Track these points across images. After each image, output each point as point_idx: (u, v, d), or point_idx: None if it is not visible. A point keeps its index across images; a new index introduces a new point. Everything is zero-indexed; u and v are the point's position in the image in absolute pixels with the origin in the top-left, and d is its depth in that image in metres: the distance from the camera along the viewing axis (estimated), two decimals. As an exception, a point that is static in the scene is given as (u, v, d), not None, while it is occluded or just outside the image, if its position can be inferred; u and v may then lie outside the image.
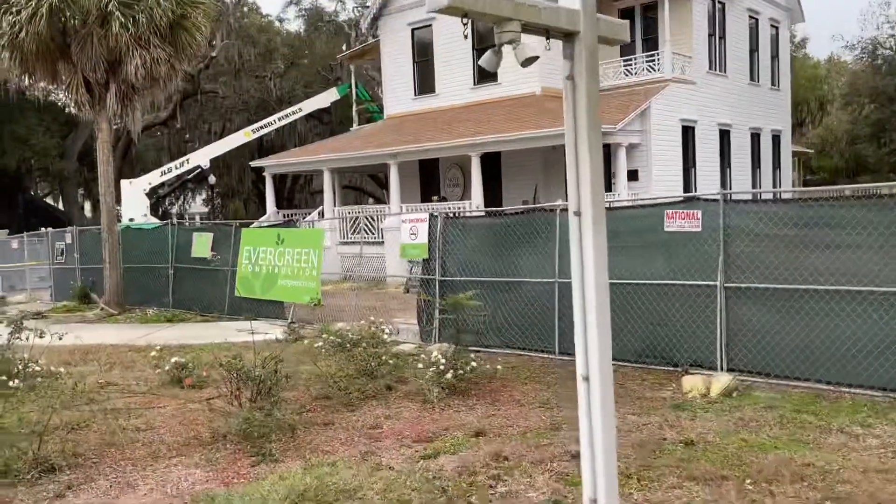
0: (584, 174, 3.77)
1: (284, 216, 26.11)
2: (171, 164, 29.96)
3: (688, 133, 21.52)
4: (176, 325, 13.78)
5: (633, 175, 19.79)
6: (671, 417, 6.04)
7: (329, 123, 43.41)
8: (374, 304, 14.99)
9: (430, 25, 23.99)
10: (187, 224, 26.81)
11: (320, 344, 8.62)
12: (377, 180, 57.74)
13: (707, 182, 22.34)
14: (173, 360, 7.82)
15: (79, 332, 12.91)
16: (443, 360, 6.98)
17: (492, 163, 23.44)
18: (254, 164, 26.40)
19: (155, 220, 28.57)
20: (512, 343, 9.11)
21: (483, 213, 11.45)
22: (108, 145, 15.55)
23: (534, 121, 19.43)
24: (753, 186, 24.93)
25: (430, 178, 25.32)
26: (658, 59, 20.85)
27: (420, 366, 7.65)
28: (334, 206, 23.97)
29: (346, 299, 14.35)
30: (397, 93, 25.17)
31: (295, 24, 49.54)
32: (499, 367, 7.43)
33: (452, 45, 23.24)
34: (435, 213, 10.54)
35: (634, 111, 19.04)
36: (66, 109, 45.60)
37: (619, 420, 6.08)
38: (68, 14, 14.14)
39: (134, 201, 29.02)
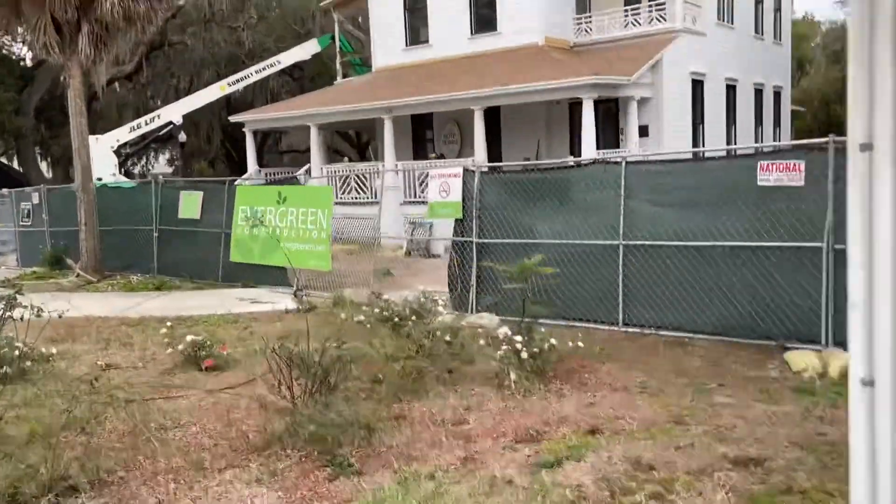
0: (884, 87, 2.61)
1: (266, 175, 24.63)
2: (141, 120, 28.12)
3: (697, 87, 20.53)
4: (166, 293, 12.48)
5: (643, 131, 18.77)
6: (808, 405, 5.08)
7: (300, 79, 41.54)
8: (379, 268, 13.88)
9: (423, -31, 22.44)
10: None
11: (362, 318, 7.44)
12: (349, 140, 56.09)
13: (715, 139, 21.46)
14: (189, 337, 6.62)
15: (58, 303, 11.62)
16: (518, 338, 5.90)
17: (491, 118, 22.16)
18: (234, 118, 24.76)
19: (125, 179, 26.87)
20: (567, 314, 8.07)
21: (529, 168, 10.31)
22: (81, 94, 13.96)
23: (538, 72, 18.21)
24: (760, 142, 24.13)
25: (422, 135, 24.02)
26: (668, 8, 19.66)
27: (482, 342, 6.58)
28: (322, 164, 22.57)
29: (347, 263, 13.16)
30: (387, 44, 23.65)
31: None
32: (571, 342, 6.38)
33: (447, -11, 21.78)
34: (471, 168, 9.37)
35: (647, 63, 17.93)
36: (21, 62, 42.91)
37: (745, 408, 5.13)
38: (33, -59, 12.44)
39: (101, 159, 27.09)
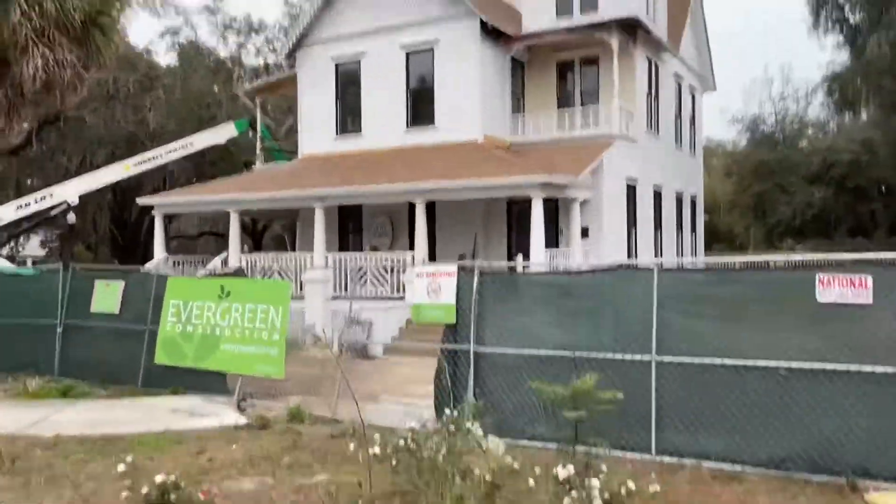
0: None
1: (175, 263, 22.63)
2: (31, 198, 25.37)
3: (630, 192, 20.80)
4: (76, 401, 10.45)
5: (584, 232, 18.58)
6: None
7: (201, 164, 39.92)
8: (321, 372, 12.44)
9: (358, 62, 22.05)
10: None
11: (378, 450, 6.06)
12: (244, 228, 53.94)
13: (645, 245, 21.68)
14: (157, 478, 5.04)
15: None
16: (595, 483, 4.81)
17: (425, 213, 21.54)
18: (141, 201, 22.84)
19: (7, 263, 23.95)
20: (588, 438, 7.03)
21: (541, 271, 9.45)
22: (-16, 165, 12.09)
23: (482, 168, 17.79)
24: (679, 251, 24.70)
25: (349, 227, 22.95)
26: (604, 114, 20.02)
27: (532, 483, 5.43)
28: (239, 252, 20.94)
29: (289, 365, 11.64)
30: (315, 131, 22.80)
31: (166, 58, 45.34)
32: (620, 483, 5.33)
33: (384, 83, 21.40)
34: (468, 267, 8.40)
35: (590, 165, 17.94)
36: None
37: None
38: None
39: (-19, 239, 24.31)
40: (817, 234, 35.87)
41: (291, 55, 23.34)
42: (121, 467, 5.23)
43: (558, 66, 22.12)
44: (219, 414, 9.47)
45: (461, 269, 8.34)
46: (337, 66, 22.48)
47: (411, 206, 21.51)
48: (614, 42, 19.55)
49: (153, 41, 66.61)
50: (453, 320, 8.19)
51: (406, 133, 21.20)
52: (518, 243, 20.72)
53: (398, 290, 17.95)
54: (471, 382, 7.88)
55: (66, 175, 37.76)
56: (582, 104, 21.39)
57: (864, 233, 34.84)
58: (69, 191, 25.71)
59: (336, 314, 18.01)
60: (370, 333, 16.08)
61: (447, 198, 17.86)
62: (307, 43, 22.86)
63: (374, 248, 20.43)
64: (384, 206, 21.54)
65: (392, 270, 18.23)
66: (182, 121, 41.06)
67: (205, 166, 43.10)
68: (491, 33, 20.35)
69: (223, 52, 46.48)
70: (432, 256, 19.20)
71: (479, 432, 5.66)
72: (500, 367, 7.76)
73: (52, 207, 25.50)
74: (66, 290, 12.35)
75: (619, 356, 7.08)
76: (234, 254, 20.75)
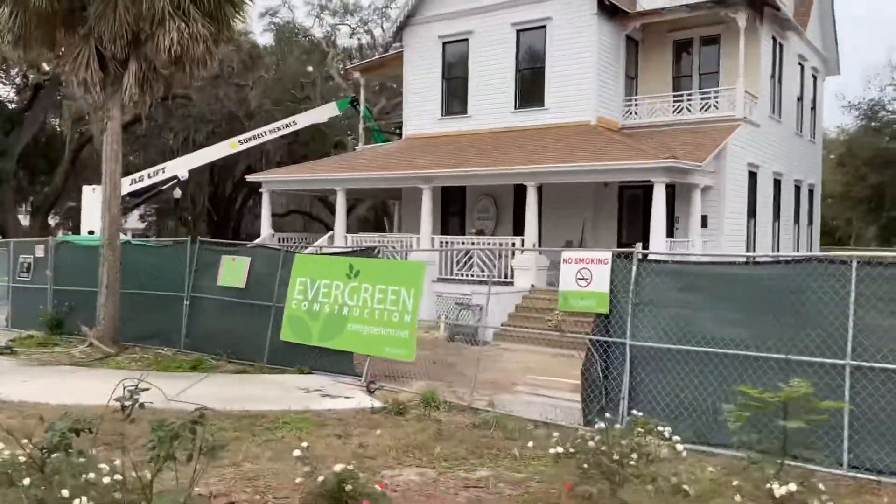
0: None
1: (280, 240, 22.91)
2: (144, 173, 26.30)
3: (751, 180, 19.64)
4: (206, 375, 10.51)
5: (702, 221, 17.62)
6: None
7: (293, 143, 40.55)
8: (432, 354, 12.20)
9: (465, 40, 21.58)
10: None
11: (560, 449, 5.62)
12: (329, 207, 54.84)
13: (763, 236, 20.49)
14: (337, 467, 4.80)
15: (79, 382, 9.65)
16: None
17: (526, 196, 21.00)
18: (250, 178, 23.18)
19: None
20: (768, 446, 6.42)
21: (716, 260, 8.85)
22: (119, 138, 12.29)
23: (598, 151, 17.08)
24: (795, 245, 23.29)
25: (451, 209, 22.66)
26: (727, 96, 18.90)
27: (737, 499, 4.91)
28: (344, 232, 20.97)
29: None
30: (420, 112, 22.52)
31: (262, 39, 46.13)
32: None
33: (492, 62, 20.88)
34: (624, 254, 7.88)
35: (715, 149, 16.96)
36: (11, 105, 41.09)
37: None
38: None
39: (96, 211, 25.24)
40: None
41: (398, 34, 23.10)
42: (296, 452, 4.98)
43: (675, 46, 21.05)
44: (351, 396, 9.29)
45: (616, 255, 7.81)
46: (444, 44, 22.10)
47: (517, 189, 21.08)
48: (741, 19, 18.38)
49: (252, 21, 67.89)
50: (606, 310, 7.70)
51: (513, 114, 20.65)
52: (629, 231, 19.94)
53: (506, 275, 17.55)
54: (626, 379, 7.37)
55: (168, 152, 39.18)
56: (700, 86, 20.30)
57: None
58: (179, 166, 26.48)
59: (441, 297, 17.79)
60: (481, 318, 15.73)
61: (562, 181, 17.25)
62: (414, 21, 22.55)
63: (480, 232, 20.06)
64: (488, 189, 21.13)
65: (500, 255, 17.81)
66: (277, 100, 41.81)
67: (297, 145, 43.84)
68: (607, 10, 19.50)
69: (318, 33, 46.95)
70: (538, 240, 18.67)
71: (672, 437, 5.13)
72: (659, 363, 7.23)
73: (164, 182, 26.35)
74: (193, 264, 12.48)
75: (805, 358, 6.43)
76: (340, 232, 20.80)
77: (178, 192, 31.23)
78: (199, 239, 12.76)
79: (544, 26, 20.09)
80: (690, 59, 20.90)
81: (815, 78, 25.20)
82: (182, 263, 12.64)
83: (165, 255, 13.18)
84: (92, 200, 25.47)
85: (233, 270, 11.96)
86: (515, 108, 20.66)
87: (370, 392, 9.69)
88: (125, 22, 11.29)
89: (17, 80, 41.00)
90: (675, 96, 19.92)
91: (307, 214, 55.14)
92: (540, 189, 19.71)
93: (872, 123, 37.71)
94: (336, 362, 10.59)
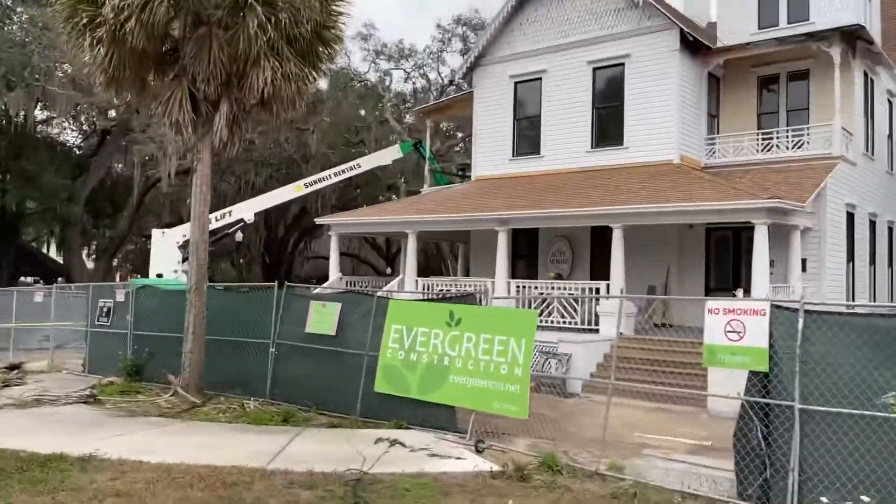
0: None
1: (348, 283, 22.49)
2: (212, 216, 26.24)
3: (849, 222, 18.52)
4: (300, 429, 9.88)
5: (802, 265, 16.57)
6: None
7: (348, 186, 40.67)
8: (545, 412, 11.41)
9: (539, 79, 21.16)
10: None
11: None
12: (377, 249, 54.86)
13: (861, 282, 19.25)
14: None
15: (174, 437, 9.11)
16: None
17: (606, 238, 20.20)
18: (320, 220, 22.84)
19: (185, 278, 24.80)
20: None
21: (884, 313, 7.99)
22: (209, 180, 12.00)
23: (684, 191, 16.25)
24: (890, 291, 21.89)
25: (523, 252, 21.98)
26: (821, 134, 17.95)
27: None
28: (414, 275, 20.42)
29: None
30: (490, 152, 22.06)
31: (319, 84, 46.84)
32: None
33: (566, 101, 20.38)
34: (786, 306, 7.05)
35: (816, 189, 15.99)
36: (79, 150, 42.19)
37: None
38: (181, 5, 10.79)
39: (164, 255, 25.34)
40: None
41: (468, 74, 22.83)
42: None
43: (759, 82, 20.26)
44: (461, 456, 8.55)
45: (776, 307, 6.99)
46: (516, 84, 21.72)
47: (595, 231, 20.35)
48: (836, 53, 17.54)
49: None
50: (765, 367, 6.85)
51: (589, 153, 20.02)
52: (717, 275, 18.96)
53: (590, 322, 16.70)
54: (795, 448, 6.48)
55: (227, 196, 39.55)
56: (788, 123, 19.42)
57: None
58: (244, 209, 26.49)
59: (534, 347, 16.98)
60: (568, 368, 14.88)
61: (651, 222, 16.43)
62: (485, 62, 22.27)
63: (559, 276, 19.29)
64: (564, 231, 20.44)
65: (580, 300, 16.98)
66: (332, 144, 42.13)
67: (350, 188, 43.97)
68: (689, 46, 18.88)
69: (372, 78, 47.44)
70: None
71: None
72: (836, 430, 6.33)
73: (231, 225, 26.36)
74: (279, 310, 11.99)
75: None
76: (411, 276, 20.25)
77: (239, 236, 31.31)
78: (286, 284, 12.29)
79: (622, 63, 19.55)
80: (776, 95, 20.07)
81: (902, 114, 24.03)
82: (267, 309, 12.17)
83: (249, 301, 12.72)
84: (161, 244, 25.61)
85: (322, 317, 11.42)
86: (592, 147, 20.03)
87: (478, 451, 8.93)
88: (219, 62, 11.06)
89: (85, 127, 42.17)
90: (762, 134, 19.05)
91: (355, 257, 55.26)
92: (610, 232, 19.06)
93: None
94: (436, 417, 9.87)
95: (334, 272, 22.19)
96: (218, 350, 12.49)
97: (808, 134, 18.18)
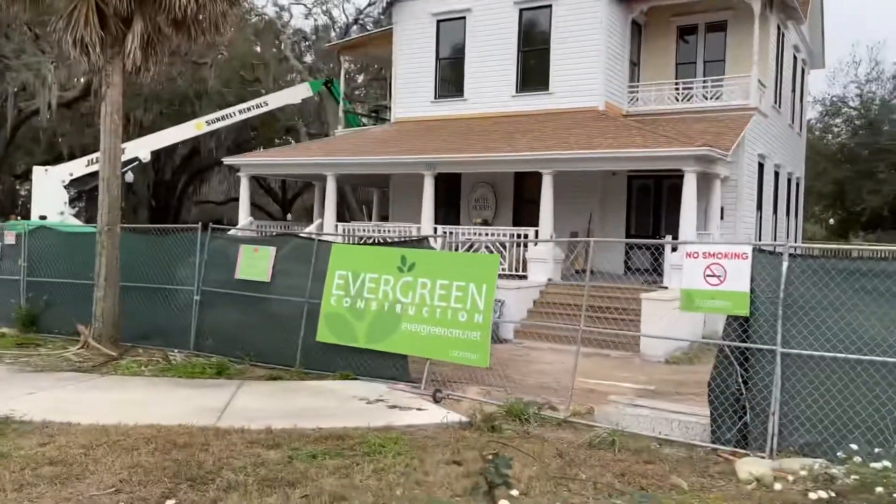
0: None
1: (259, 227, 21.28)
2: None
3: (759, 171, 19.19)
4: (238, 382, 9.10)
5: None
6: None
7: (242, 130, 38.82)
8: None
9: (462, 18, 20.42)
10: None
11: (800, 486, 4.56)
12: (271, 194, 53.00)
13: (767, 229, 20.14)
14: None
15: (100, 393, 8.16)
16: None
17: (530, 185, 20.05)
18: (227, 161, 21.39)
19: (74, 220, 22.75)
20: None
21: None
22: (120, 108, 10.65)
23: (615, 138, 16.23)
24: (787, 236, 23.12)
25: (445, 199, 21.49)
26: (739, 84, 18.33)
27: None
28: (333, 219, 19.55)
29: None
30: (411, 94, 21.24)
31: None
32: None
33: (492, 43, 19.80)
34: (768, 249, 6.94)
35: (737, 138, 16.33)
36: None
37: None
38: None
39: (49, 194, 23.14)
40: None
41: (387, 9, 21.73)
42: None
43: (678, 31, 20.40)
44: (420, 407, 8.11)
45: (758, 250, 6.87)
46: (438, 22, 20.88)
47: (517, 177, 20.15)
48: (756, 4, 17.81)
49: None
50: (746, 312, 6.75)
51: (514, 98, 19.64)
52: (638, 222, 19.25)
53: (517, 269, 16.57)
54: (776, 393, 6.45)
55: (126, 132, 36.50)
56: (705, 74, 19.73)
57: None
58: (140, 147, 24.48)
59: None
60: (501, 314, 14.69)
61: (584, 168, 16.33)
62: (406, -3, 21.23)
63: (485, 222, 18.99)
64: (487, 177, 20.12)
65: (507, 246, 16.77)
66: (227, 82, 39.78)
67: (246, 130, 41.91)
68: (615, -8, 18.67)
69: (270, 12, 44.97)
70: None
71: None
72: (818, 375, 6.34)
73: (126, 163, 24.23)
74: (204, 252, 10.99)
75: None
76: (330, 221, 19.38)
77: (130, 176, 29.04)
78: (211, 226, 11.24)
79: (550, 6, 19.12)
80: (694, 45, 20.28)
81: (803, 70, 25.09)
82: (189, 253, 11.13)
83: (167, 245, 11.57)
84: (43, 183, 23.33)
85: (254, 261, 10.54)
86: (517, 91, 19.64)
87: (436, 401, 8.52)
88: (133, -27, 9.69)
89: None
90: (683, 84, 19.28)
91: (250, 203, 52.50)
92: (536, 178, 18.93)
93: (836, 119, 38.33)
94: (386, 367, 9.36)
95: (245, 216, 20.94)
96: (132, 298, 11.35)
97: (724, 85, 18.52)
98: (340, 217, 41.98)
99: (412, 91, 21.19)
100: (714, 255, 6.97)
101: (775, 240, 21.12)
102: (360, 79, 43.60)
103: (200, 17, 10.44)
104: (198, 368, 9.54)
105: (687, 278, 7.16)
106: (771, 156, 20.07)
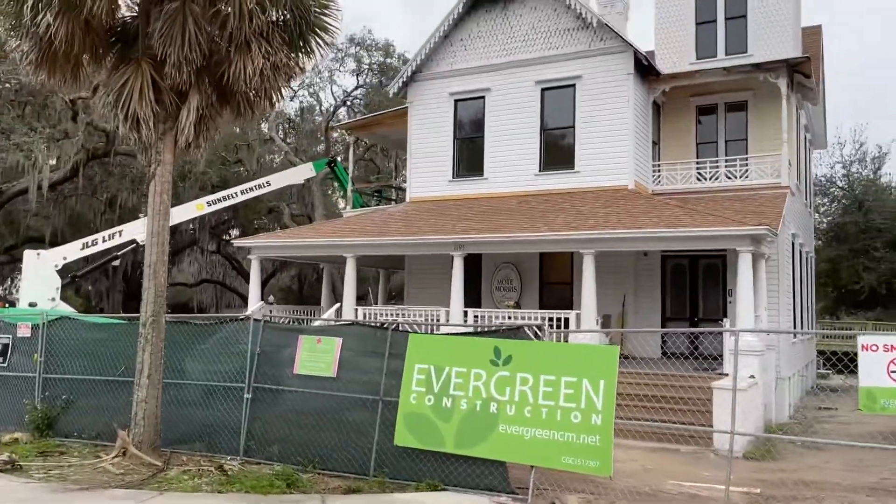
0: None
1: (270, 314, 20.06)
2: (98, 236, 23.02)
3: (795, 251, 18.84)
4: (321, 497, 7.89)
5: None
6: None
7: (224, 209, 38.08)
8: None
9: (482, 97, 20.17)
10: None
11: None
12: (243, 275, 51.92)
13: (799, 307, 19.65)
14: None
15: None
16: None
17: (557, 265, 19.43)
18: (238, 243, 20.47)
19: (66, 307, 21.32)
20: None
21: None
22: (170, 188, 9.75)
23: (658, 217, 15.71)
24: (810, 315, 22.68)
25: (466, 279, 20.65)
26: (772, 163, 18.14)
27: None
28: (355, 304, 18.53)
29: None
30: (427, 173, 20.72)
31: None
32: None
33: (513, 122, 19.51)
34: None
35: (779, 217, 15.94)
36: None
37: None
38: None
39: (41, 279, 21.73)
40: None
41: (403, 90, 21.40)
42: None
43: (697, 111, 20.40)
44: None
45: (949, 340, 6.14)
46: (456, 102, 20.60)
47: (543, 258, 19.51)
48: (783, 84, 17.85)
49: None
50: (941, 412, 5.96)
51: (537, 176, 19.22)
52: (674, 304, 18.60)
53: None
54: None
55: (98, 216, 35.53)
56: (726, 152, 19.63)
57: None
58: (137, 229, 23.35)
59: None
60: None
61: (627, 248, 15.74)
62: (421, 77, 21.00)
63: (517, 306, 18.12)
64: (509, 257, 19.45)
65: (545, 332, 15.85)
66: (209, 163, 39.28)
67: (227, 210, 41.11)
68: (641, 71, 18.63)
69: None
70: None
71: None
72: None
73: (121, 246, 23.16)
74: (256, 344, 9.90)
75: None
76: (349, 305, 18.35)
77: (116, 261, 27.85)
78: (263, 317, 10.20)
79: (573, 85, 18.97)
80: (714, 125, 20.25)
81: (808, 150, 25.33)
82: (238, 345, 10.04)
83: (213, 335, 10.46)
84: (35, 267, 21.96)
85: (316, 355, 9.47)
86: (540, 170, 19.24)
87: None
88: (196, 44, 8.98)
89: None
90: (709, 162, 19.07)
91: (220, 284, 52.00)
92: (566, 258, 18.39)
93: (823, 199, 38.93)
94: (481, 474, 8.25)
95: (256, 300, 19.79)
96: (168, 396, 10.14)
97: (751, 164, 18.33)
98: (305, 299, 40.65)
99: (429, 170, 20.67)
100: (896, 346, 6.19)
101: (800, 320, 20.64)
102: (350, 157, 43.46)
103: (261, 90, 9.71)
104: (264, 480, 8.30)
105: (865, 374, 6.36)
106: (798, 234, 19.80)
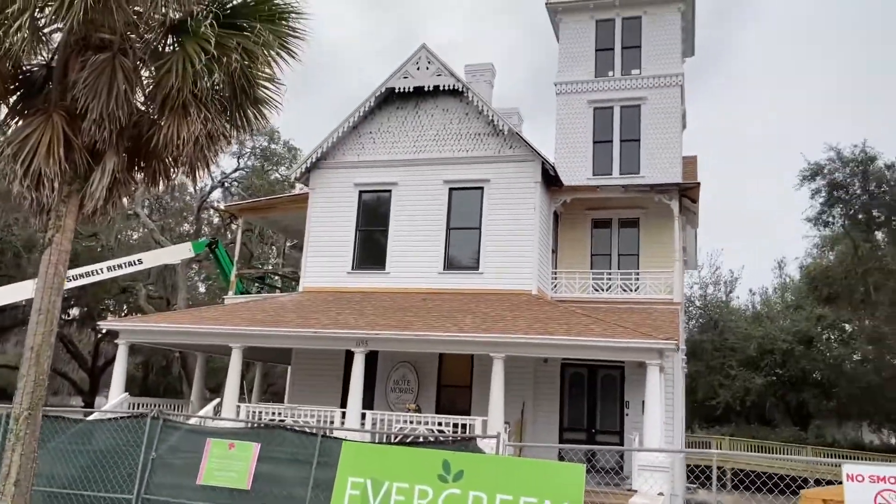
0: None
1: (133, 406, 17.79)
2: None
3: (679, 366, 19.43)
4: None
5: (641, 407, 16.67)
6: None
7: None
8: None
9: (388, 191, 19.85)
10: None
11: None
12: (78, 359, 47.87)
13: (680, 425, 20.11)
14: None
15: None
16: None
17: (457, 367, 18.85)
18: (106, 325, 18.23)
19: None
20: None
21: None
22: (67, 257, 8.31)
23: (567, 324, 15.67)
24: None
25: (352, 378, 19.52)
26: (665, 279, 18.88)
27: None
28: (239, 398, 16.84)
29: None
30: (324, 263, 19.81)
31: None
32: None
33: (418, 218, 19.25)
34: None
35: (677, 332, 16.39)
36: None
37: None
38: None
39: None
40: (756, 421, 36.29)
41: (305, 175, 20.68)
42: None
43: (593, 224, 21.13)
44: None
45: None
46: (361, 192, 20.11)
47: (442, 359, 18.88)
48: (675, 205, 18.91)
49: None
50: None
51: (441, 275, 18.86)
52: (571, 414, 18.41)
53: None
54: None
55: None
56: (619, 266, 20.33)
57: (800, 421, 35.70)
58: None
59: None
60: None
61: (535, 354, 15.51)
62: (326, 165, 20.42)
63: (417, 409, 17.17)
64: (407, 356, 18.68)
65: (449, 440, 15.09)
66: (79, 239, 36.54)
67: (73, 288, 38.06)
68: (547, 180, 19.13)
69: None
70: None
71: None
72: None
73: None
74: (151, 448, 8.43)
75: None
76: (231, 399, 16.65)
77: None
78: (160, 412, 8.78)
79: (481, 188, 19.11)
80: (608, 238, 20.98)
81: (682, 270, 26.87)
82: (128, 447, 8.53)
83: (95, 436, 8.85)
84: None
85: (228, 462, 8.17)
86: (444, 268, 18.90)
87: None
88: (124, 101, 7.97)
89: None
90: (607, 273, 19.58)
91: (62, 375, 47.67)
92: (464, 362, 17.96)
93: (684, 317, 41.33)
94: None
95: (117, 391, 17.52)
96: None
97: (643, 278, 19.00)
98: (174, 392, 37.42)
99: (327, 259, 19.78)
100: (886, 479, 6.06)
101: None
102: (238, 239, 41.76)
103: (185, 157, 8.75)
104: None
105: (849, 504, 6.14)
106: (681, 347, 20.53)
